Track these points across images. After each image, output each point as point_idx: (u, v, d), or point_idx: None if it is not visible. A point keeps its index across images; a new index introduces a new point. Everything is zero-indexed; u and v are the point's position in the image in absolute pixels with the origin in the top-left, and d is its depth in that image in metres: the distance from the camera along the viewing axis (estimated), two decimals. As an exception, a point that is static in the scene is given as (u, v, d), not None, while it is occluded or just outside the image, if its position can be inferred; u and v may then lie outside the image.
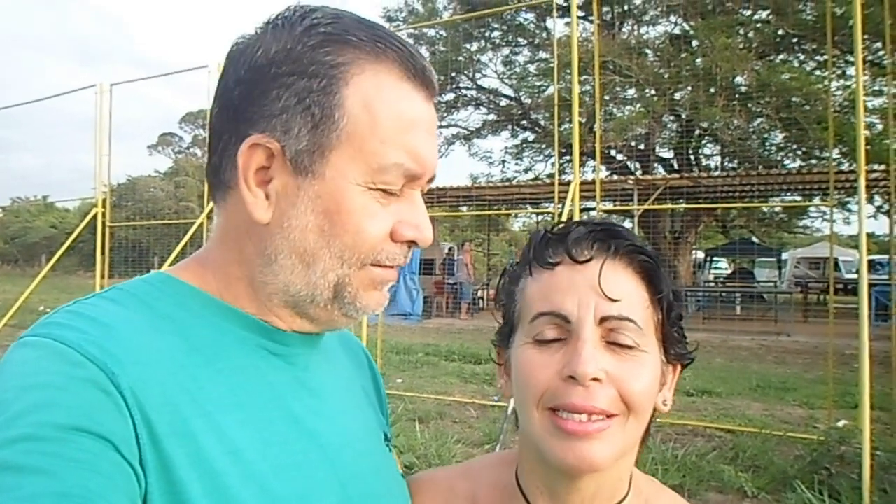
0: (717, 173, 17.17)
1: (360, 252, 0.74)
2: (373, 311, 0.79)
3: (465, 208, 19.43)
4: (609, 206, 16.13)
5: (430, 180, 0.79)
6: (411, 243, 0.77)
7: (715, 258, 25.63)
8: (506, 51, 23.39)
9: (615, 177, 16.99)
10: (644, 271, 0.84)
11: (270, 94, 0.72)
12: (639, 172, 19.24)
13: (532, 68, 23.02)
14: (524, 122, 23.65)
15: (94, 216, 9.61)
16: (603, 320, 0.79)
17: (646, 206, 13.58)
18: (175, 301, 0.75)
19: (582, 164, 13.31)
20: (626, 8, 19.95)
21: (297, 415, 0.76)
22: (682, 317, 0.87)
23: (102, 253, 9.64)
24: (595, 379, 0.77)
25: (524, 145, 25.09)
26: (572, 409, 0.78)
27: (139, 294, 0.74)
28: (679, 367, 0.89)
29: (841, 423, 5.79)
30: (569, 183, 6.82)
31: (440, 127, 24.24)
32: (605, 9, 18.53)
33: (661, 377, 0.85)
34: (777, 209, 22.91)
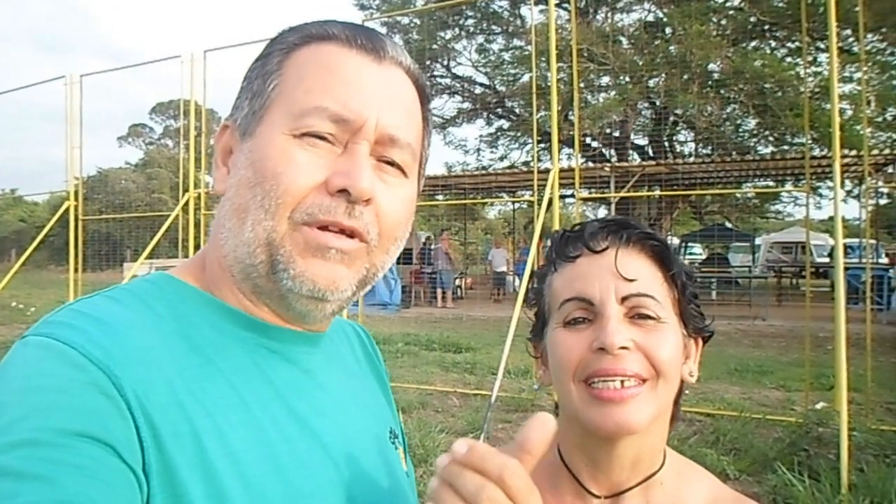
0: (692, 160, 17.31)
1: (280, 198, 0.71)
2: (317, 284, 0.72)
3: (441, 197, 19.37)
4: (585, 193, 16.21)
5: (391, 142, 0.75)
6: (345, 194, 0.71)
7: (690, 244, 25.87)
8: (480, 39, 23.35)
9: (591, 164, 17.07)
10: (656, 254, 0.93)
11: (241, 87, 0.81)
12: (614, 160, 19.33)
13: (507, 56, 23.00)
14: (499, 110, 23.65)
15: (67, 209, 9.40)
16: (624, 299, 0.88)
17: (622, 194, 13.67)
18: (175, 301, 0.74)
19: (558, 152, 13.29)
20: (600, -5, 19.99)
21: (300, 414, 0.75)
22: (697, 295, 0.96)
23: (76, 246, 9.45)
24: (623, 347, 0.85)
25: (499, 133, 25.11)
26: (604, 374, 0.86)
27: (140, 293, 0.73)
28: (700, 342, 0.98)
29: (819, 406, 5.88)
30: (547, 171, 6.80)
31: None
32: (580, -4, 18.53)
33: (684, 349, 0.93)
34: (750, 195, 23.19)
